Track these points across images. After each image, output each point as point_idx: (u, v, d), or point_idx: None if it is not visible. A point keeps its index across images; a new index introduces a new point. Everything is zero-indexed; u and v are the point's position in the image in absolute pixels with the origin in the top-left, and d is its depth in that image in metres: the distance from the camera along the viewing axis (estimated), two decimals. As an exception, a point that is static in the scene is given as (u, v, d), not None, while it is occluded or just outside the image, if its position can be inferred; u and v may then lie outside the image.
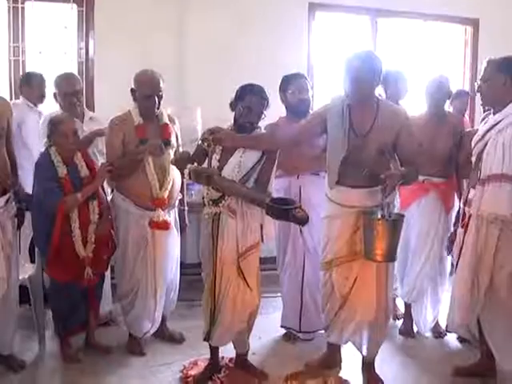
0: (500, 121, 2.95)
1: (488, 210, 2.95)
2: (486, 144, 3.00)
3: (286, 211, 2.84)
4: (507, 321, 2.97)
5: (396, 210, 3.10)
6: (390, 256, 2.87)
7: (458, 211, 3.77)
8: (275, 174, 3.55)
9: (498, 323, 3.02)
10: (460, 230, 3.23)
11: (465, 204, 3.19)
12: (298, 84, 3.67)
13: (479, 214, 3.00)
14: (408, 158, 3.02)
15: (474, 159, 3.11)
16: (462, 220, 3.20)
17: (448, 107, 3.92)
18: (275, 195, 3.42)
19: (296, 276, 3.73)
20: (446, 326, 3.84)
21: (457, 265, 3.21)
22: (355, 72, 2.92)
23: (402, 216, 2.96)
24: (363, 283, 3.10)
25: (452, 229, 3.80)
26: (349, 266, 3.10)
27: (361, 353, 3.29)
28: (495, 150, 2.92)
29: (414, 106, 4.59)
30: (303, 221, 2.90)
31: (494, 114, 3.06)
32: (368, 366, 3.30)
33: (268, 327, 3.90)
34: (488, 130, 3.00)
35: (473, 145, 3.11)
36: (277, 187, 3.54)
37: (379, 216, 2.84)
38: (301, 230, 3.62)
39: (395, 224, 2.84)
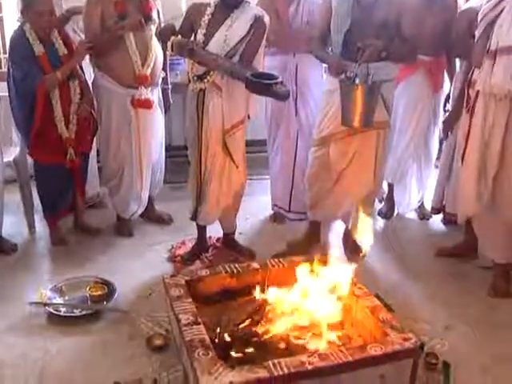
0: None
1: (498, 85, 2.73)
2: (498, 14, 2.76)
3: (267, 86, 2.73)
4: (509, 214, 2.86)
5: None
6: (367, 121, 2.84)
7: (448, 94, 3.71)
8: (270, 52, 3.46)
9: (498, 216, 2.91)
10: (465, 115, 3.02)
11: (468, 86, 2.98)
12: None
13: (488, 90, 2.79)
14: (407, 39, 2.96)
15: (477, 34, 2.88)
16: (467, 104, 2.99)
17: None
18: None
19: (288, 155, 3.68)
20: (431, 207, 3.90)
21: (463, 155, 3.01)
22: None
23: (379, 82, 2.87)
24: (361, 157, 3.12)
25: (442, 112, 3.74)
26: (348, 141, 3.09)
27: (346, 225, 3.36)
28: (511, 19, 2.69)
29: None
30: (284, 96, 2.81)
31: None
32: (351, 237, 3.38)
33: (255, 209, 3.94)
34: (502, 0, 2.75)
35: (480, 18, 2.87)
36: (273, 64, 3.45)
37: (356, 82, 2.78)
38: (296, 110, 3.56)
39: (371, 89, 2.78)
